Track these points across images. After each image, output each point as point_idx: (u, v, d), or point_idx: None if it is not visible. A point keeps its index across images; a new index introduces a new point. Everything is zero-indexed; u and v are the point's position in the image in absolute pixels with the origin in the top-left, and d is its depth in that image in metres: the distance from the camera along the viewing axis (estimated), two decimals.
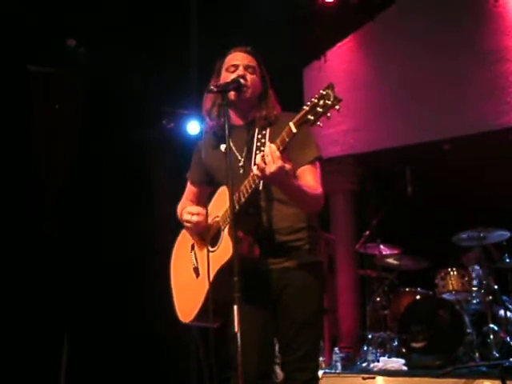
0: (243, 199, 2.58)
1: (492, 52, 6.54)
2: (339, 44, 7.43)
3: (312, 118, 2.35)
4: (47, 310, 5.14)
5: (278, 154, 2.42)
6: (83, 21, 5.46)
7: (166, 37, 5.75)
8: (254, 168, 2.47)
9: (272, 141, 2.53)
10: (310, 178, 2.68)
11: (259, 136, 2.76)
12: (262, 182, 2.57)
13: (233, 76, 2.75)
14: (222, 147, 2.75)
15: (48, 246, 5.28)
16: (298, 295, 2.68)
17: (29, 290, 5.02)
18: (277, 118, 2.80)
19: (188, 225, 2.82)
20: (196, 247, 2.90)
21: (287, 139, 2.43)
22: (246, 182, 2.57)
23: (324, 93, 2.34)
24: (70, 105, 5.75)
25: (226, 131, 2.59)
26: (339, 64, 7.41)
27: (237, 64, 2.79)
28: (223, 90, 2.68)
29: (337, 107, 2.33)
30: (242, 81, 2.72)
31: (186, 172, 3.10)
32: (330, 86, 2.35)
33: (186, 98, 5.99)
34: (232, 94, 2.72)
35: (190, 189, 3.07)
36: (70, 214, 5.51)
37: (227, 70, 2.80)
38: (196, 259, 2.87)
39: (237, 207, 2.57)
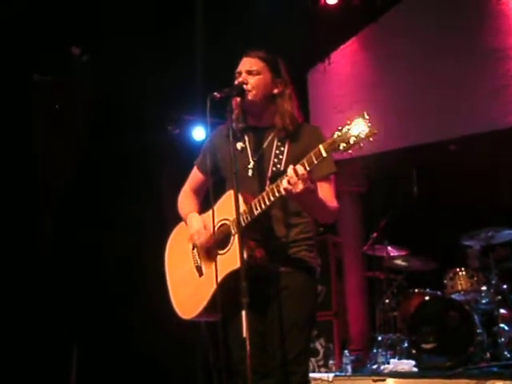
0: (260, 210, 2.60)
1: (496, 50, 6.52)
2: (343, 46, 7.42)
3: (344, 146, 2.37)
4: (55, 319, 5.15)
5: (305, 175, 2.45)
6: (87, 27, 5.48)
7: (171, 42, 5.75)
8: (281, 188, 2.50)
9: (292, 155, 2.63)
10: (326, 192, 2.72)
11: (279, 144, 2.79)
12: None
13: (235, 83, 2.81)
14: (239, 145, 2.83)
15: (48, 254, 5.29)
16: (293, 298, 2.71)
17: (34, 299, 5.04)
18: (297, 128, 2.81)
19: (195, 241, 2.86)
20: (200, 246, 2.90)
21: (315, 162, 2.45)
22: (265, 194, 2.59)
23: (358, 122, 2.35)
24: (73, 111, 5.77)
25: (231, 137, 2.64)
26: (343, 66, 7.41)
27: (240, 70, 2.84)
28: (226, 96, 2.70)
29: (371, 139, 2.34)
30: (243, 86, 2.76)
31: None
32: (364, 116, 2.36)
33: (191, 103, 6.00)
34: (236, 100, 2.77)
35: (195, 176, 3.08)
36: (73, 220, 5.53)
37: (236, 77, 2.85)
38: (199, 258, 2.88)
39: (252, 216, 2.61)
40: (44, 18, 5.16)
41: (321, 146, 2.43)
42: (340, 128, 2.39)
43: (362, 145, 2.35)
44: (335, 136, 2.39)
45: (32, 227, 5.30)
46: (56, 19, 5.22)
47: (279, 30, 5.98)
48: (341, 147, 2.37)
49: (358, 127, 2.34)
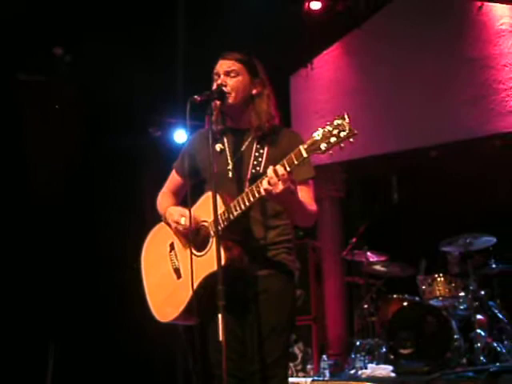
0: (239, 210, 2.59)
1: (476, 59, 6.59)
2: (326, 51, 7.45)
3: (325, 146, 2.37)
4: (33, 315, 5.12)
5: (286, 176, 2.45)
6: (70, 29, 5.46)
7: (152, 45, 5.75)
8: (261, 188, 2.49)
9: (271, 157, 2.64)
10: (305, 196, 2.71)
11: (258, 146, 2.79)
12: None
13: (214, 86, 2.81)
14: (218, 147, 2.83)
15: (38, 250, 5.27)
16: (272, 302, 2.70)
17: (14, 295, 5.01)
18: (274, 130, 2.82)
19: (178, 227, 2.80)
20: (177, 247, 2.87)
21: (296, 162, 2.45)
22: (245, 195, 2.58)
23: (339, 122, 2.36)
24: (57, 112, 5.75)
25: (210, 140, 2.63)
26: (326, 71, 7.44)
27: (217, 72, 2.84)
28: (206, 99, 2.70)
29: (351, 140, 2.35)
30: (223, 89, 2.76)
31: None
32: (345, 117, 2.36)
33: (173, 106, 5.99)
34: (216, 103, 2.77)
35: (173, 179, 3.07)
36: (57, 220, 5.50)
37: (214, 79, 2.85)
38: (177, 260, 2.85)
39: (231, 217, 2.60)
40: (29, 18, 5.13)
41: (301, 147, 2.42)
42: (320, 128, 2.39)
43: (342, 145, 2.36)
44: (316, 136, 2.39)
45: (16, 226, 5.27)
46: (41, 20, 5.19)
47: (262, 34, 5.99)
48: (322, 147, 2.37)
49: (339, 127, 2.35)
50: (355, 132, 2.34)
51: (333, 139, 2.35)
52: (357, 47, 7.30)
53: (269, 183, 2.45)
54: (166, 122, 6.66)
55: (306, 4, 6.61)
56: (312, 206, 2.73)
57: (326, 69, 7.45)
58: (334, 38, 7.38)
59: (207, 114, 2.73)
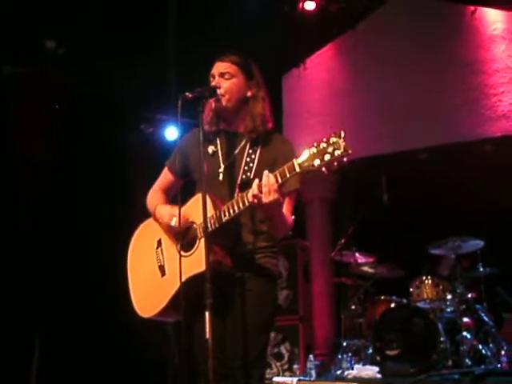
0: (228, 217, 2.60)
1: (468, 64, 6.63)
2: (318, 52, 7.48)
3: (318, 162, 2.37)
4: (18, 309, 5.09)
5: (275, 187, 2.46)
6: (62, 23, 5.44)
7: (144, 42, 5.73)
8: (249, 195, 2.50)
9: (262, 163, 2.65)
10: (285, 207, 2.71)
11: (250, 151, 2.79)
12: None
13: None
14: (210, 149, 2.83)
15: (22, 244, 5.24)
16: (253, 302, 2.71)
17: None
18: (268, 134, 2.83)
19: (170, 224, 2.80)
20: (164, 245, 2.88)
21: (288, 175, 2.46)
22: (234, 201, 2.59)
23: (334, 140, 2.36)
24: (46, 105, 5.72)
25: (201, 138, 2.63)
26: (318, 72, 7.45)
27: (213, 74, 2.84)
28: (198, 96, 2.69)
29: (344, 159, 2.35)
30: (216, 89, 2.76)
31: None
32: (341, 136, 2.36)
33: (164, 103, 5.98)
34: (211, 104, 2.79)
35: (165, 176, 3.06)
36: (45, 214, 5.47)
37: (210, 80, 2.85)
38: (163, 258, 2.86)
39: (220, 222, 2.61)
40: (20, 11, 5.10)
41: (295, 161, 2.43)
42: (316, 144, 2.39)
43: (335, 164, 2.36)
44: (310, 152, 2.39)
45: (5, 222, 5.24)
46: (33, 12, 5.16)
47: (255, 33, 5.99)
48: (315, 163, 2.38)
49: (334, 145, 2.35)
50: (349, 152, 2.34)
51: (327, 157, 2.36)
52: (350, 48, 7.32)
53: (259, 191, 2.47)
54: (157, 119, 6.65)
55: (300, 4, 6.62)
56: (289, 218, 2.75)
57: (319, 69, 7.47)
58: (327, 39, 7.40)
59: (199, 111, 2.72)
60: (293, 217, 2.77)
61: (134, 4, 5.47)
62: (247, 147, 2.80)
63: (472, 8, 6.69)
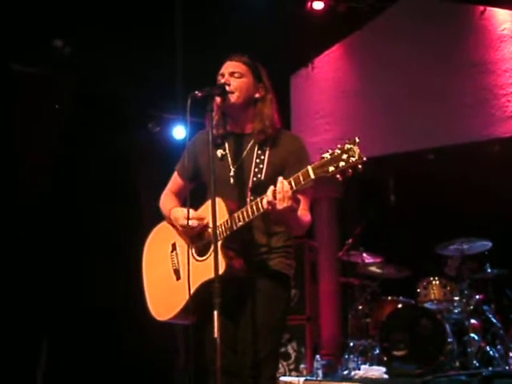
0: (242, 223, 2.60)
1: (477, 64, 6.60)
2: (327, 52, 7.46)
3: (332, 169, 2.38)
4: (25, 312, 5.10)
5: (290, 193, 2.46)
6: (70, 22, 5.44)
7: (152, 41, 5.74)
8: (264, 202, 2.51)
9: (272, 163, 2.67)
10: (302, 206, 2.70)
11: (259, 152, 2.78)
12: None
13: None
14: (219, 152, 2.82)
15: (27, 246, 5.24)
16: (265, 301, 2.71)
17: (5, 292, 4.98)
18: (276, 134, 2.82)
19: (185, 228, 2.78)
20: (179, 249, 2.88)
21: (303, 182, 2.46)
22: (249, 207, 2.59)
23: (349, 147, 2.36)
24: (53, 105, 5.72)
25: (210, 137, 2.62)
26: (326, 72, 7.44)
27: (223, 73, 2.84)
28: (207, 94, 2.69)
29: (359, 166, 2.35)
30: (226, 87, 2.75)
31: (171, 177, 3.10)
32: (356, 141, 2.36)
33: (172, 102, 5.98)
34: (217, 100, 2.76)
35: (175, 181, 3.06)
36: (51, 215, 5.47)
37: (218, 79, 2.85)
38: (178, 261, 2.87)
39: (234, 228, 2.61)
40: (27, 9, 5.11)
41: (309, 168, 2.43)
42: (330, 151, 2.39)
43: (350, 171, 2.36)
44: (325, 158, 2.40)
45: (8, 222, 5.24)
46: (41, 12, 5.17)
47: (264, 32, 5.99)
48: (329, 170, 2.38)
49: (348, 152, 2.35)
50: (364, 159, 2.34)
51: (341, 163, 2.36)
52: (358, 48, 7.30)
53: (274, 197, 2.47)
54: (165, 118, 6.66)
55: (309, 4, 6.61)
56: (307, 216, 2.74)
57: (327, 69, 7.45)
58: (335, 39, 7.39)
59: (207, 110, 2.72)
60: (309, 216, 2.75)
61: (141, 2, 5.47)
62: (256, 148, 2.80)
63: (481, 8, 6.65)
